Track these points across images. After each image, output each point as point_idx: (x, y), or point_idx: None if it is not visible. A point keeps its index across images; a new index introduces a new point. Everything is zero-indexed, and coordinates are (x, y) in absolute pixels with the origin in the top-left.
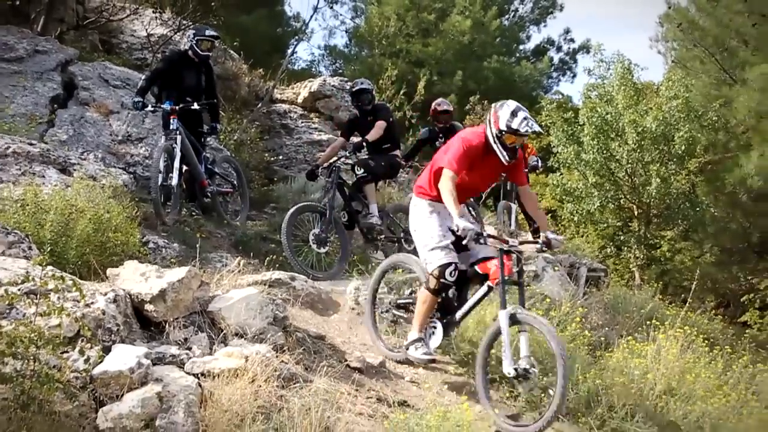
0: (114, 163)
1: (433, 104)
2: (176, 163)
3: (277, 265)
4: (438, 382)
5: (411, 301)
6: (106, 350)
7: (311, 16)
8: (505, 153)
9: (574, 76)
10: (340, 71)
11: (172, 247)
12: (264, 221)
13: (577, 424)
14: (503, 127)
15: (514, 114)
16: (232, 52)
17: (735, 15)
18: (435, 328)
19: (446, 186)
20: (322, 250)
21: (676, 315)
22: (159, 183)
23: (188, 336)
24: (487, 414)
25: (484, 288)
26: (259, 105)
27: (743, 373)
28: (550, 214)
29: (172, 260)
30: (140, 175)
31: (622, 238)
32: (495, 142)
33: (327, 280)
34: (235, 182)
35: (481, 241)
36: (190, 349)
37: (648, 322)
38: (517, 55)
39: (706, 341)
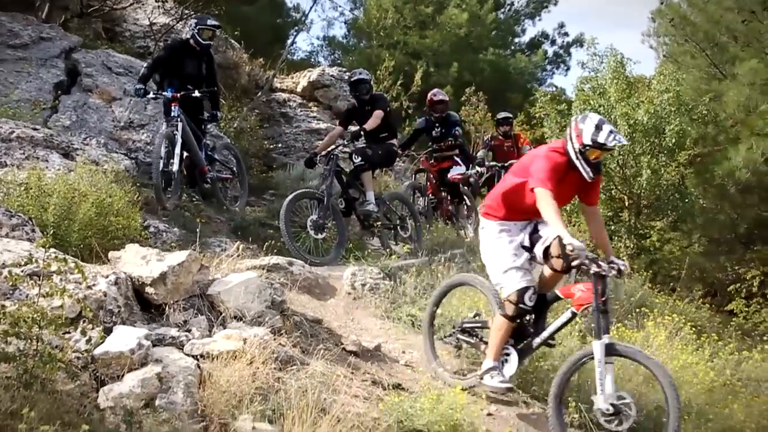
0: (116, 149)
1: (429, 94)
2: (177, 150)
3: (275, 250)
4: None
5: (479, 324)
6: (108, 331)
7: (311, 7)
8: (588, 169)
9: (568, 69)
10: (339, 62)
11: (173, 231)
12: (263, 207)
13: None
14: (588, 142)
15: (598, 127)
16: (233, 41)
17: (726, 11)
18: (509, 355)
19: (548, 205)
20: (320, 236)
21: (665, 303)
22: (160, 169)
23: (188, 318)
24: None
25: (568, 314)
26: (259, 94)
27: (729, 360)
28: None
29: (172, 244)
30: (142, 161)
31: (612, 227)
32: (578, 158)
33: (324, 266)
34: (235, 169)
35: (594, 267)
36: (189, 331)
37: (637, 310)
38: (512, 47)
39: (694, 329)
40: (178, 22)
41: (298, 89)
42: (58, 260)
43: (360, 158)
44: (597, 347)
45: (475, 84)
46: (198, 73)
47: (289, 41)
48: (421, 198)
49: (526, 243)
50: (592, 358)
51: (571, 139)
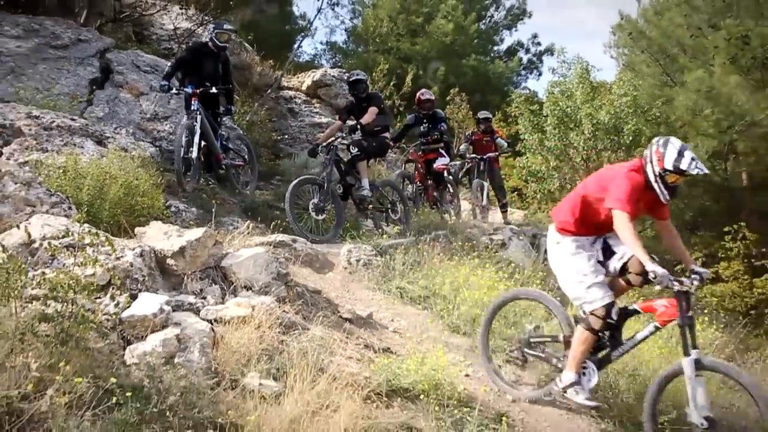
0: (143, 138)
1: (418, 94)
2: (196, 139)
3: (281, 229)
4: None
5: (548, 338)
6: (133, 297)
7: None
8: (666, 192)
9: (540, 74)
10: (339, 64)
11: (191, 211)
12: (270, 191)
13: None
14: (669, 167)
15: (680, 153)
16: (246, 45)
17: (677, 27)
18: (587, 368)
19: (626, 228)
20: (320, 217)
21: None
22: (181, 155)
23: (203, 287)
24: (458, 360)
25: (651, 327)
26: (269, 91)
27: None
28: (516, 192)
29: (190, 222)
30: (165, 149)
31: None
32: (657, 181)
33: (323, 243)
34: (246, 157)
35: (677, 286)
36: (204, 298)
37: None
38: (492, 54)
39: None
40: (198, 27)
41: (303, 88)
42: (91, 234)
43: (356, 149)
44: (687, 364)
45: (459, 86)
46: (215, 72)
47: (296, 45)
48: (409, 185)
49: (600, 258)
50: (681, 374)
51: (651, 162)
